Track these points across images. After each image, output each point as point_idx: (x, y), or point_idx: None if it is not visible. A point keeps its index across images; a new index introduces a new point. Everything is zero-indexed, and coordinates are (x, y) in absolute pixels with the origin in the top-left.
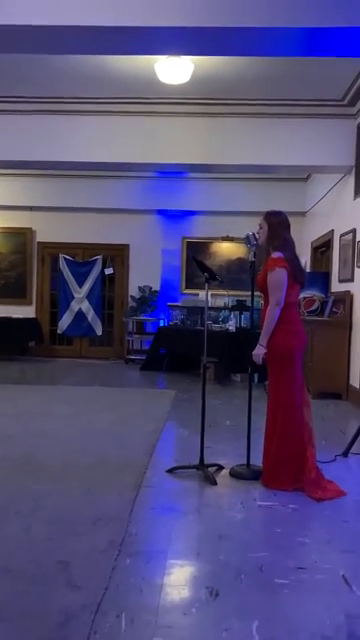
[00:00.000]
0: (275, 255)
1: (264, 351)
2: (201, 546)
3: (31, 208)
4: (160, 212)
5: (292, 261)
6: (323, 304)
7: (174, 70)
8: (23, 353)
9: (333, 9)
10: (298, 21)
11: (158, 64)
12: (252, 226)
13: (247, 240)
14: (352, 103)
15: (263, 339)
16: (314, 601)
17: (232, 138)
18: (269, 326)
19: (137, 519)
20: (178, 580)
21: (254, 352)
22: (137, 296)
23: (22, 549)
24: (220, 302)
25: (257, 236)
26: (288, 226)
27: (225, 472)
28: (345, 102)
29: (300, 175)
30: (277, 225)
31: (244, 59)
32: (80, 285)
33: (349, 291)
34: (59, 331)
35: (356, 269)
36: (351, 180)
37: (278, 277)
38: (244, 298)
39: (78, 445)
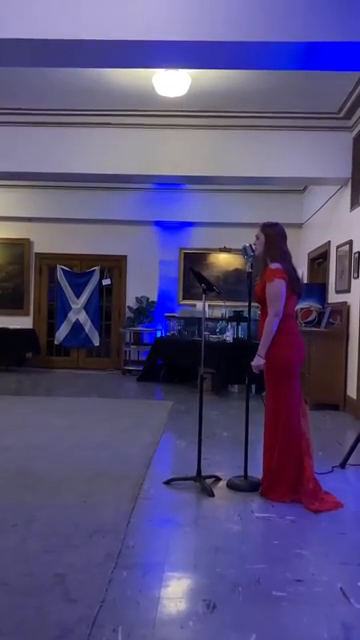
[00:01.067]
0: (273, 266)
1: (263, 362)
2: (198, 558)
3: (29, 219)
4: (157, 223)
5: (290, 272)
6: (320, 315)
7: (172, 83)
8: (20, 364)
9: (330, 24)
10: (295, 35)
11: (156, 77)
12: (249, 237)
13: (244, 251)
14: (348, 116)
15: (262, 350)
16: (312, 614)
17: (229, 150)
18: (268, 337)
19: (134, 531)
20: (175, 593)
21: (253, 363)
22: (134, 307)
23: (18, 562)
24: (217, 313)
25: (254, 247)
26: (285, 237)
27: (222, 484)
28: (341, 115)
29: (297, 187)
30: (274, 236)
31: (241, 72)
32: (78, 296)
33: (346, 302)
34: (56, 342)
35: (353, 280)
36: (347, 192)
37: (277, 288)
38: (241, 309)
39: (75, 457)
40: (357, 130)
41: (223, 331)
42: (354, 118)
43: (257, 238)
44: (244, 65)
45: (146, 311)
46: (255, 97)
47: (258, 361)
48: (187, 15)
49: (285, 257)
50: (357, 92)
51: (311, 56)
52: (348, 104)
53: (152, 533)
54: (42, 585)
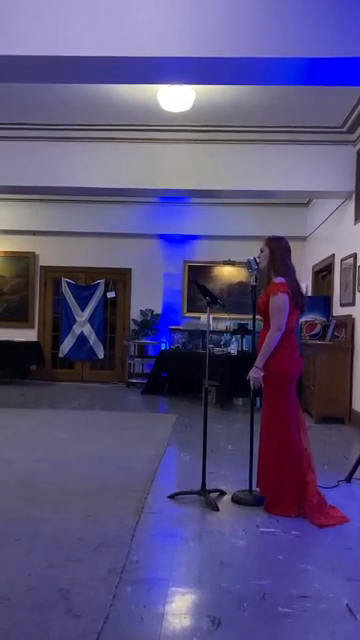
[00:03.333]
0: (277, 280)
1: (262, 374)
2: (203, 573)
3: (34, 232)
4: (162, 237)
5: (293, 287)
6: (325, 328)
7: (176, 98)
8: (24, 376)
9: (331, 40)
10: (298, 51)
11: (160, 92)
12: (253, 250)
13: (248, 264)
14: (351, 130)
15: (260, 362)
16: (318, 631)
17: (233, 164)
18: (267, 349)
19: (138, 546)
20: (179, 608)
21: (252, 375)
22: (139, 319)
23: (21, 576)
24: (222, 325)
25: (258, 260)
26: (289, 252)
27: (227, 498)
28: (345, 129)
29: (301, 200)
30: (278, 250)
31: (245, 87)
32: (82, 309)
33: (351, 315)
34: (61, 354)
35: (357, 293)
36: (351, 205)
37: (280, 302)
38: (246, 322)
39: (78, 470)
40: None
41: (227, 344)
42: (357, 132)
43: (261, 251)
44: (248, 80)
45: (150, 324)
46: (259, 112)
47: (255, 373)
48: (192, 32)
49: (289, 271)
50: None
51: (313, 72)
52: (351, 118)
53: (156, 548)
54: (46, 600)
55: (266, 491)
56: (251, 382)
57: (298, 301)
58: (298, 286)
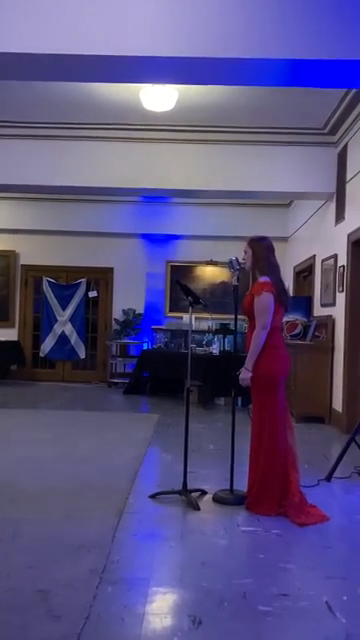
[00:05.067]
0: (262, 279)
1: (250, 375)
2: (184, 573)
3: (15, 231)
4: (144, 236)
5: (278, 285)
6: (306, 328)
7: (159, 97)
8: (4, 376)
9: (316, 42)
10: (282, 53)
11: (143, 91)
12: (236, 251)
13: (230, 265)
14: (333, 132)
15: (249, 363)
16: (298, 628)
17: (216, 164)
18: (255, 350)
19: (119, 546)
20: (160, 608)
21: (241, 376)
22: (121, 319)
23: (1, 578)
24: (204, 325)
25: (240, 261)
26: (273, 250)
27: (208, 497)
28: (326, 131)
29: (283, 201)
30: (262, 250)
31: (228, 88)
32: (63, 308)
33: (331, 315)
34: (42, 354)
35: (338, 294)
36: (332, 207)
37: (265, 301)
38: (228, 321)
39: (59, 471)
40: (342, 146)
41: (210, 343)
42: (339, 134)
43: (245, 253)
44: (231, 81)
45: (132, 323)
46: (242, 112)
47: (246, 374)
48: (175, 31)
49: (274, 270)
50: (342, 108)
51: (297, 73)
52: (333, 120)
53: (137, 548)
54: (25, 601)
55: (251, 490)
56: (241, 382)
57: (282, 299)
58: (283, 284)
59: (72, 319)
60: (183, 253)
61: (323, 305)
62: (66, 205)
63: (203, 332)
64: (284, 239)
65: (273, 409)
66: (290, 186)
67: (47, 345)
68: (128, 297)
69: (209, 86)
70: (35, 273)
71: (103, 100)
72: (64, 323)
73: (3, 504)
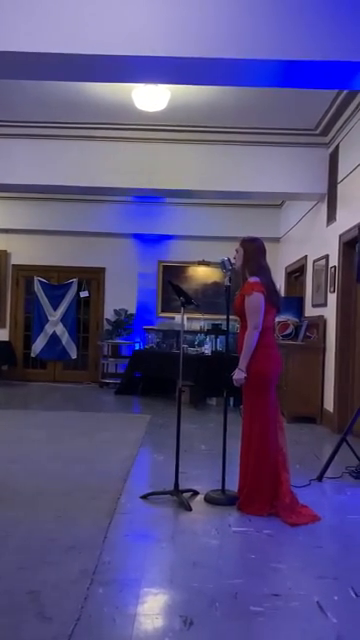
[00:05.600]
0: (252, 280)
1: (244, 375)
2: (175, 574)
3: (6, 230)
4: (136, 236)
5: (268, 286)
6: (297, 328)
7: (151, 97)
8: None
9: (308, 43)
10: (274, 54)
11: (135, 91)
12: (227, 251)
13: (222, 265)
14: (324, 133)
15: (242, 363)
16: (289, 628)
17: (208, 165)
18: (248, 350)
19: (110, 547)
20: (152, 609)
21: (235, 377)
22: (113, 319)
23: None
24: (196, 325)
25: (232, 261)
26: (264, 252)
27: (200, 498)
28: (318, 132)
29: (275, 202)
30: (253, 251)
31: (221, 88)
32: (55, 308)
33: (322, 316)
34: (33, 354)
35: (329, 294)
36: (324, 207)
37: (255, 301)
38: (220, 322)
39: (51, 471)
40: (333, 146)
41: (202, 344)
42: (330, 135)
43: (237, 252)
44: (224, 81)
45: (124, 323)
46: (234, 113)
47: (240, 375)
48: (168, 31)
49: (264, 271)
50: (333, 109)
51: (289, 74)
52: (325, 121)
53: (129, 548)
54: (16, 603)
55: (242, 490)
56: (235, 383)
57: (274, 300)
58: (273, 285)
59: (63, 319)
60: (175, 253)
61: (314, 305)
62: (57, 205)
63: (195, 332)
64: (276, 239)
65: (264, 409)
66: (282, 187)
67: (38, 345)
68: (120, 297)
69: (202, 86)
70: (26, 273)
71: (95, 100)
72: (55, 323)
73: None
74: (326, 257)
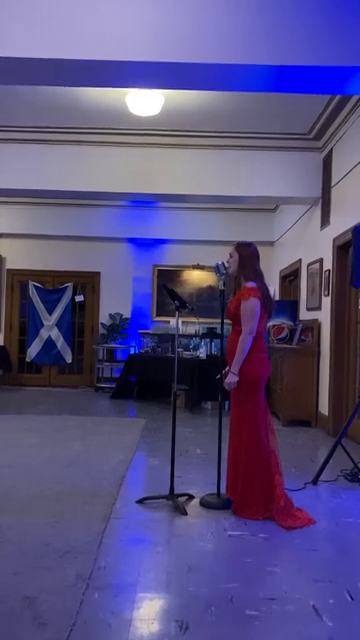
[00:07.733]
0: (249, 285)
1: (237, 379)
2: (171, 578)
3: (1, 235)
4: (131, 240)
5: (263, 291)
6: (292, 332)
7: (145, 102)
8: None
9: (301, 48)
10: (267, 59)
11: (129, 96)
12: (222, 255)
13: (217, 269)
14: (318, 137)
15: (235, 367)
16: (285, 632)
17: (203, 169)
18: (241, 354)
19: (106, 552)
20: (147, 614)
21: (227, 380)
22: (108, 323)
23: None
24: (191, 329)
25: (227, 265)
26: (258, 257)
27: (195, 502)
28: (311, 136)
29: (268, 206)
30: (248, 256)
31: (214, 93)
32: (50, 312)
33: (317, 319)
34: (28, 359)
35: (323, 297)
36: (317, 211)
37: (252, 306)
38: (214, 326)
39: (45, 476)
40: (327, 151)
41: (196, 348)
42: (324, 139)
43: (231, 256)
44: (217, 86)
45: (119, 328)
46: (227, 117)
47: (232, 378)
48: (160, 36)
49: (258, 276)
50: (327, 114)
51: (282, 79)
52: (318, 125)
53: (124, 553)
54: (11, 608)
55: (235, 494)
56: (227, 387)
57: (267, 306)
58: (267, 290)
59: (58, 323)
60: (170, 257)
61: (309, 309)
62: (52, 209)
63: (190, 336)
64: (270, 243)
65: (254, 413)
66: (276, 191)
67: (33, 350)
68: (115, 301)
69: (195, 91)
70: (21, 277)
71: (89, 105)
72: (50, 328)
73: None
74: (320, 261)
